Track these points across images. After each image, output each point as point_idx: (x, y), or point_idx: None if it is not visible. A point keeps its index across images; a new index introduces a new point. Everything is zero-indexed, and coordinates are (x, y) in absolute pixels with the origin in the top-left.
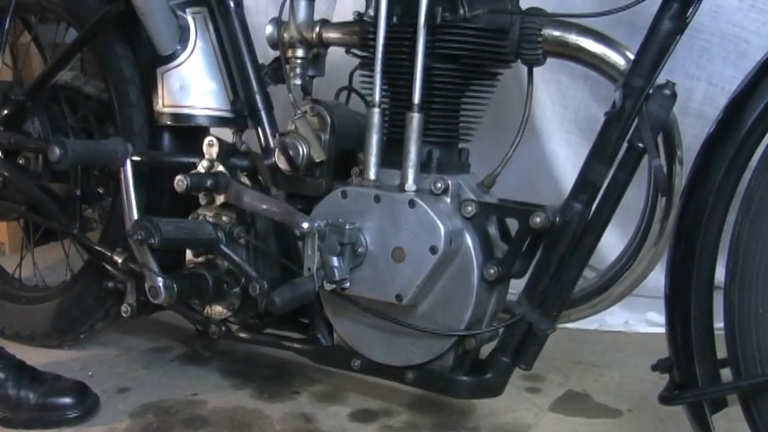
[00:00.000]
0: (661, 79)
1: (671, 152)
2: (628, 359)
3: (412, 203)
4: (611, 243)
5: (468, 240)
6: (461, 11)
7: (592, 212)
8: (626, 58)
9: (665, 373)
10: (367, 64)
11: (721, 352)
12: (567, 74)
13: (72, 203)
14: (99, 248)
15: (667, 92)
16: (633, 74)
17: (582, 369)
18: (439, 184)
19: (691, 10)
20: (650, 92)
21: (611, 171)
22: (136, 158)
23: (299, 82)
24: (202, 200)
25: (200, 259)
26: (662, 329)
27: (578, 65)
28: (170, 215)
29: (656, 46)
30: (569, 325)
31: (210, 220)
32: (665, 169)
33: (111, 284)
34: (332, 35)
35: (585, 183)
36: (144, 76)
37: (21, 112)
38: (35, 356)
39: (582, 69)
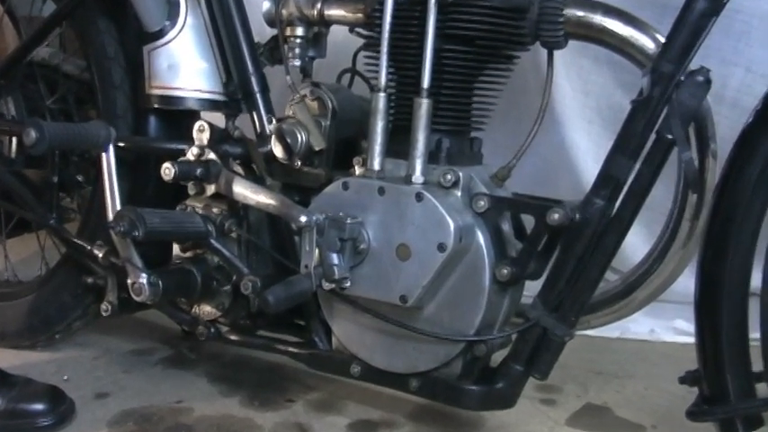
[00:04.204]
0: (694, 65)
1: (703, 145)
2: (652, 370)
3: (419, 197)
4: (636, 243)
5: (480, 238)
6: None
7: (615, 209)
8: (655, 41)
9: (694, 386)
10: (372, 44)
11: (756, 364)
12: (589, 58)
13: (48, 192)
14: (77, 241)
15: (700, 78)
16: (663, 58)
17: (602, 380)
18: (449, 177)
19: None
20: (681, 78)
21: (637, 165)
22: (119, 144)
23: (297, 63)
24: (191, 190)
25: (188, 254)
26: (690, 338)
27: (603, 48)
28: (156, 206)
29: (689, 28)
30: (589, 332)
31: (200, 211)
32: (696, 163)
33: (90, 280)
34: (334, 12)
35: (608, 177)
36: (129, 55)
37: None
38: (4, 358)
39: (606, 53)
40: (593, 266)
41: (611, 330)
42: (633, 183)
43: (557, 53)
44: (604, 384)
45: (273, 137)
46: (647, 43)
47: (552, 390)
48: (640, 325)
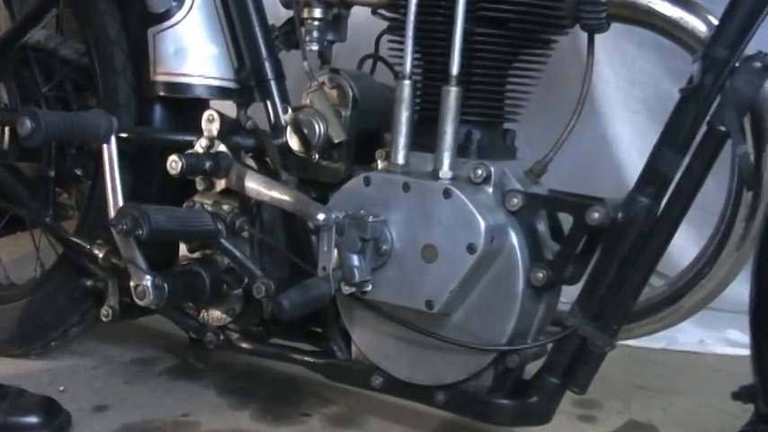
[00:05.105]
0: (750, 49)
1: (760, 137)
2: (702, 385)
3: (447, 193)
4: (684, 245)
5: (513, 238)
6: None
7: (661, 208)
8: (707, 23)
9: (749, 403)
10: (397, 27)
11: None
12: (634, 42)
13: (44, 187)
14: (76, 240)
15: (757, 65)
16: (716, 42)
17: (646, 395)
18: (479, 172)
19: None
20: (736, 65)
21: (686, 159)
22: (121, 135)
23: (315, 48)
24: (200, 185)
25: (196, 255)
26: (745, 350)
27: (649, 31)
28: (161, 202)
29: (746, 9)
30: (631, 342)
31: (209, 208)
32: (751, 158)
33: (89, 283)
34: None
35: (654, 173)
36: (132, 38)
37: None
38: None
39: (653, 37)
40: (637, 271)
41: (656, 341)
42: (682, 179)
43: (598, 37)
44: (649, 400)
45: (289, 128)
46: (699, 26)
47: (592, 405)
48: (689, 335)
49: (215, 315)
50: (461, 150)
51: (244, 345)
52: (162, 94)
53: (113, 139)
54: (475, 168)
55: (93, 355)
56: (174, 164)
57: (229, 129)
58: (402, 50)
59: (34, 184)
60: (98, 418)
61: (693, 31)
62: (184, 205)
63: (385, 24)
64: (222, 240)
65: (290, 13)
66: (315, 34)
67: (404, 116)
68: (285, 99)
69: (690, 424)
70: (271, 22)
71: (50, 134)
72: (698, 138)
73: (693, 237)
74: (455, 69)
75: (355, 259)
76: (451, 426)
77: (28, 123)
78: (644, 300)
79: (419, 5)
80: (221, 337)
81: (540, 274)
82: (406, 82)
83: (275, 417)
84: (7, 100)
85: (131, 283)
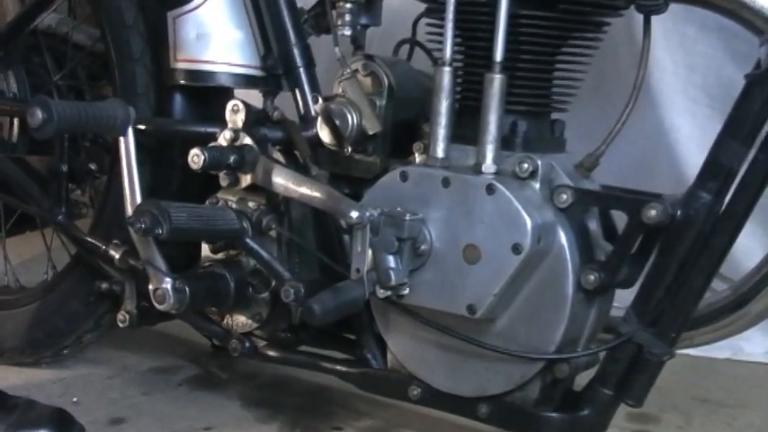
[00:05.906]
0: None
1: None
2: None
3: (490, 189)
4: (750, 246)
5: (562, 237)
6: None
7: (724, 205)
8: None
9: None
10: (436, 10)
11: None
12: (694, 24)
13: (56, 182)
14: (90, 240)
15: None
16: None
17: (708, 409)
18: (525, 166)
19: None
20: None
21: (752, 152)
22: (139, 126)
23: (348, 32)
24: (223, 180)
25: (220, 256)
26: None
27: (710, 12)
28: (182, 199)
29: None
30: (692, 351)
31: (233, 206)
32: None
33: (104, 286)
34: None
35: (717, 166)
36: (150, 22)
37: None
38: (4, 376)
39: (715, 18)
40: (698, 273)
41: (719, 350)
42: (747, 173)
43: (655, 19)
44: (711, 414)
45: (320, 119)
46: (767, 4)
47: (648, 419)
48: (755, 344)
49: (240, 321)
50: (506, 143)
51: (271, 353)
52: (183, 82)
53: (130, 130)
54: (520, 162)
55: (108, 363)
56: (195, 158)
57: (255, 120)
58: (442, 35)
59: (45, 179)
60: (114, 431)
61: (761, 11)
62: (207, 202)
63: (423, 7)
64: (248, 240)
65: None
66: (347, 18)
67: (443, 106)
68: (315, 88)
69: None
70: (300, 5)
71: (63, 125)
72: (765, 128)
73: (760, 236)
74: (499, 55)
75: (391, 260)
76: None
77: (39, 114)
78: (706, 305)
79: None
80: (247, 345)
81: (592, 277)
82: (446, 69)
83: (304, 430)
84: (17, 89)
85: (150, 287)
